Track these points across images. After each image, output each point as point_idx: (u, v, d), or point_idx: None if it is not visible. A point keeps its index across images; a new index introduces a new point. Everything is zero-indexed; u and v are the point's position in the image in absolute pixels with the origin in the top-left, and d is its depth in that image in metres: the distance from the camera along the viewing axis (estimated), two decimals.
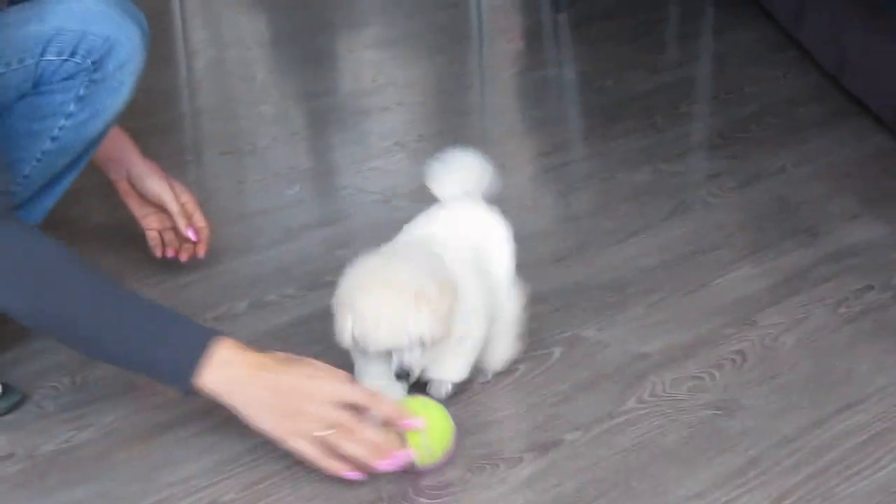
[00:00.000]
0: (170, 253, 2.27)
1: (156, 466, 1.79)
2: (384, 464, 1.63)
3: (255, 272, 2.32)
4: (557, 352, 2.04)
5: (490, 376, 1.96)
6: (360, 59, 3.51)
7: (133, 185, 2.22)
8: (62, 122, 1.90)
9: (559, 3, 3.80)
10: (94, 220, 2.55)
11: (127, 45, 1.89)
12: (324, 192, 2.68)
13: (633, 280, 2.26)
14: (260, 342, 2.07)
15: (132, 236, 2.44)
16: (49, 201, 1.99)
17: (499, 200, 2.36)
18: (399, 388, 1.80)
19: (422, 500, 1.69)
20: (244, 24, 3.85)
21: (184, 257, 2.27)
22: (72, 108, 1.89)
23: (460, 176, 1.98)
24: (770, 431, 1.81)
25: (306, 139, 2.98)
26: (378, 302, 1.73)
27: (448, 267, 1.81)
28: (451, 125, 3.01)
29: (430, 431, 1.71)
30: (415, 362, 1.76)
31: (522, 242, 2.34)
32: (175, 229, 2.25)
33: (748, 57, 3.37)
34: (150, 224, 2.26)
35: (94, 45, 1.88)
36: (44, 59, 1.87)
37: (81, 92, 1.89)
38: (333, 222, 2.54)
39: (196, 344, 1.66)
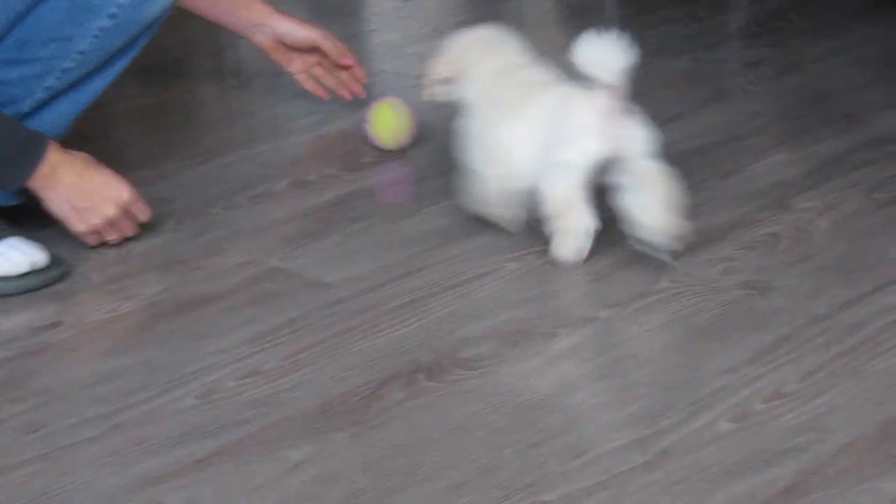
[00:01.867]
0: (338, 92, 2.49)
1: (197, 336, 1.83)
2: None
3: (296, 153, 2.35)
4: (592, 233, 2.06)
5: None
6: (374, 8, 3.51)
7: (282, 41, 2.41)
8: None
9: None
10: (136, 101, 2.58)
11: None
12: (367, 72, 2.69)
13: (670, 164, 2.26)
14: (300, 220, 2.12)
15: (174, 118, 2.47)
16: (101, 83, 2.01)
17: None
18: None
19: (458, 370, 1.73)
20: None
21: (345, 93, 2.49)
22: None
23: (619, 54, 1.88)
24: (802, 310, 1.84)
25: (347, 24, 2.99)
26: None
27: None
28: (489, 12, 3.01)
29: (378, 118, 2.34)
30: None
31: None
32: (320, 63, 2.46)
33: None
34: (297, 67, 2.46)
35: None
36: None
37: None
38: (373, 103, 2.55)
39: (30, 159, 1.92)
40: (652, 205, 1.91)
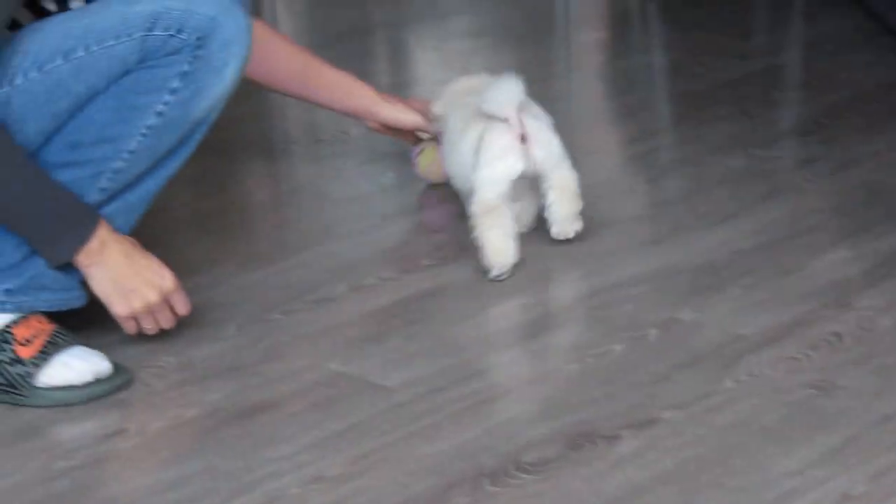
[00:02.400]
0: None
1: (260, 443, 1.83)
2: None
3: (354, 256, 2.36)
4: (653, 333, 2.06)
5: (557, 236, 2.30)
6: (451, 49, 3.54)
7: (386, 126, 2.59)
8: (167, 97, 1.94)
9: None
10: (191, 206, 2.61)
11: (232, 27, 1.94)
12: (418, 178, 2.71)
13: (728, 263, 2.27)
14: (359, 325, 2.13)
15: (228, 223, 2.50)
16: (153, 185, 2.03)
17: (590, 186, 2.40)
18: None
19: (522, 475, 1.72)
20: (335, 16, 3.89)
21: None
22: (176, 83, 1.94)
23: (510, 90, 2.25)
24: (868, 411, 1.82)
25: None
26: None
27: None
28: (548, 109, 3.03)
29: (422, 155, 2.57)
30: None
31: (616, 227, 2.39)
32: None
33: (839, 44, 3.36)
34: (407, 139, 2.65)
35: (199, 24, 1.92)
36: (151, 34, 1.91)
37: (186, 68, 1.93)
38: (428, 208, 2.57)
39: (80, 232, 1.95)
40: (558, 211, 2.29)
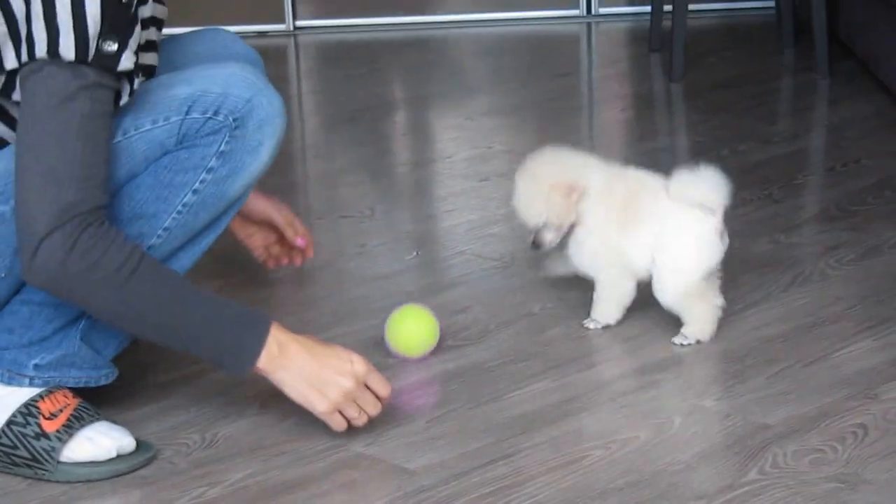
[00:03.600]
0: (283, 262, 2.46)
1: None
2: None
3: (378, 335, 2.36)
4: (677, 421, 2.05)
5: (685, 341, 2.30)
6: (477, 126, 3.56)
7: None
8: (203, 175, 1.96)
9: (673, 73, 3.83)
10: (212, 284, 2.62)
11: (267, 108, 1.96)
12: (443, 257, 2.72)
13: (753, 351, 2.27)
14: (383, 406, 2.12)
15: (250, 301, 2.50)
16: (186, 261, 2.04)
17: None
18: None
19: None
20: (360, 92, 3.92)
21: (297, 262, 2.46)
22: (213, 162, 1.96)
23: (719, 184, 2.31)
24: None
25: (425, 204, 3.03)
26: (525, 189, 2.34)
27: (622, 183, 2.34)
28: None
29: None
30: (546, 240, 2.33)
31: (640, 312, 2.39)
32: (279, 242, 2.44)
33: (864, 129, 3.38)
34: (256, 242, 2.45)
35: (235, 105, 1.94)
36: (188, 117, 1.94)
37: (223, 147, 1.95)
38: (453, 287, 2.58)
39: (255, 338, 1.93)
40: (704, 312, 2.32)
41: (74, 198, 1.83)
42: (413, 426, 2.07)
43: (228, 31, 2.27)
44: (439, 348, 2.30)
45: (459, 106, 3.78)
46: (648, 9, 4.25)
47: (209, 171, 1.96)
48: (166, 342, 1.94)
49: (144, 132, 1.94)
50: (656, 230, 2.29)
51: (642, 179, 2.35)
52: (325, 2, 4.63)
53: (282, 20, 4.57)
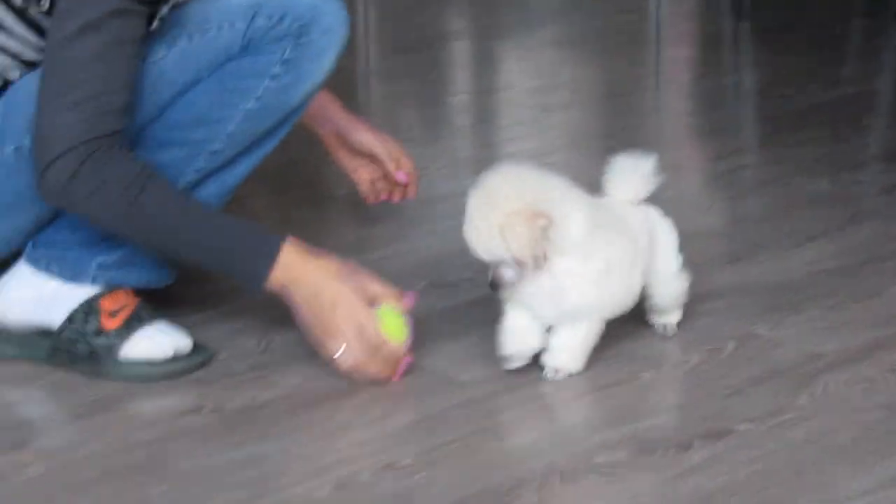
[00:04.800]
0: (383, 197, 2.41)
1: (335, 428, 1.86)
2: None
3: (437, 253, 2.38)
4: (730, 346, 2.06)
5: (668, 332, 2.08)
6: (541, 56, 3.56)
7: (342, 139, 2.35)
8: (267, 82, 1.97)
9: (741, 11, 3.81)
10: (272, 200, 2.64)
11: (330, 15, 1.97)
12: None
13: (808, 283, 2.26)
14: (437, 321, 2.14)
15: (309, 218, 2.52)
16: (246, 167, 2.05)
17: (673, 200, 2.39)
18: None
19: (591, 476, 1.73)
20: (425, 20, 3.92)
21: (396, 198, 2.41)
22: (277, 69, 1.97)
23: (634, 179, 2.03)
24: None
25: (487, 131, 3.03)
26: (479, 215, 1.89)
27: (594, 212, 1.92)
28: (627, 125, 3.04)
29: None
30: (507, 277, 1.91)
31: (696, 242, 2.38)
32: (385, 177, 2.37)
33: None
34: (362, 176, 2.39)
35: (300, 12, 1.95)
36: (254, 23, 1.95)
37: (287, 55, 1.97)
38: None
39: (268, 254, 1.90)
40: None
41: (88, 122, 1.84)
42: (466, 340, 2.08)
43: None
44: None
45: (524, 37, 3.77)
46: None
47: (273, 77, 1.97)
48: (179, 258, 1.96)
49: (210, 38, 1.95)
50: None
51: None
52: None
53: None
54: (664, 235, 2.06)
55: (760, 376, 1.98)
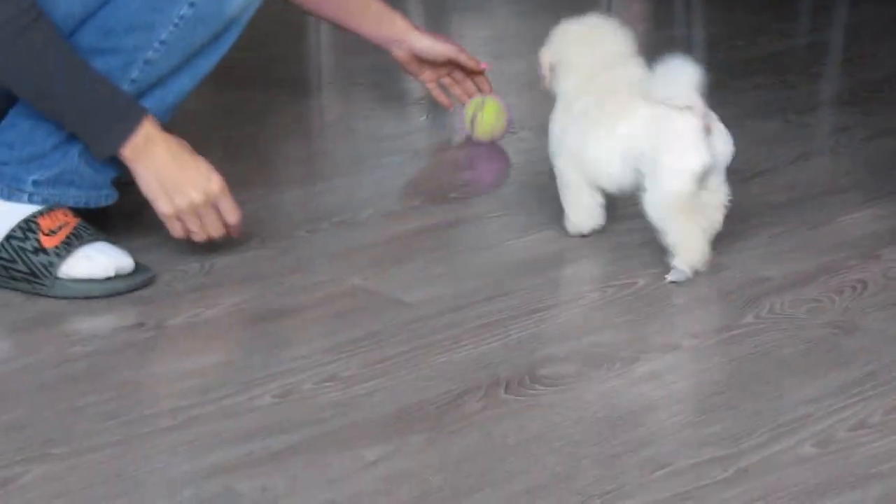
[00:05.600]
0: (456, 92, 2.63)
1: (278, 343, 1.83)
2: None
3: (382, 186, 2.36)
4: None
5: (679, 277, 2.01)
6: (492, 10, 3.54)
7: (418, 56, 2.56)
8: None
9: None
10: (221, 135, 2.61)
11: None
12: (451, 121, 2.71)
13: (756, 213, 2.26)
14: (383, 246, 2.13)
15: (257, 151, 2.50)
16: (187, 83, 2.02)
17: None
18: None
19: (538, 387, 1.71)
20: None
21: (485, 89, 2.62)
22: None
23: (692, 75, 1.99)
24: (889, 350, 1.81)
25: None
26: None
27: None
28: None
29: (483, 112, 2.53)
30: None
31: None
32: (450, 74, 2.61)
33: (882, 28, 3.36)
34: (429, 77, 2.60)
35: None
36: None
37: None
38: (461, 148, 2.57)
39: (126, 124, 1.93)
40: (694, 231, 2.01)
41: None
42: (413, 265, 2.07)
43: None
44: (444, 198, 2.30)
45: None
46: None
47: None
48: (43, 106, 1.92)
49: None
50: (629, 132, 2.02)
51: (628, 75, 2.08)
52: None
53: None
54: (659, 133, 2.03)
55: (706, 297, 1.97)
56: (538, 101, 2.73)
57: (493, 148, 2.56)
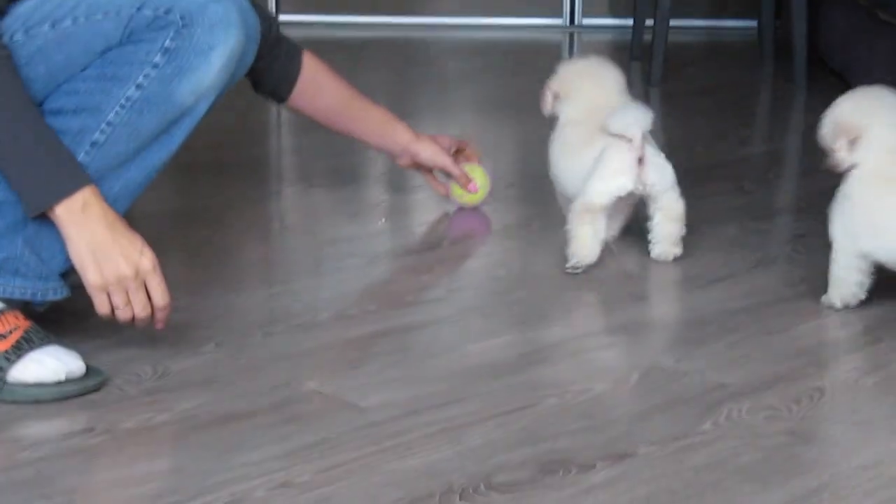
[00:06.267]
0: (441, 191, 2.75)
1: (231, 448, 1.81)
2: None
3: (339, 289, 2.35)
4: (635, 376, 2.04)
5: (659, 257, 2.46)
6: (456, 115, 3.57)
7: (420, 164, 2.71)
8: (148, 70, 1.94)
9: (652, 78, 3.84)
10: (179, 235, 2.60)
11: (220, 13, 1.95)
12: (410, 225, 2.71)
13: (714, 320, 2.26)
14: (339, 349, 2.11)
15: (215, 253, 2.49)
16: (138, 175, 1.99)
17: None
18: None
19: (493, 493, 1.69)
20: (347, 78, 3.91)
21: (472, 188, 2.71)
22: (157, 58, 1.94)
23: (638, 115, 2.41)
24: (846, 460, 1.80)
25: (396, 178, 3.02)
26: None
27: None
28: (538, 175, 3.03)
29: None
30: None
31: (605, 282, 2.38)
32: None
33: None
34: (429, 175, 2.75)
35: (188, 7, 1.93)
36: (139, 12, 1.93)
37: (168, 44, 1.93)
38: (419, 252, 2.57)
39: (66, 183, 1.90)
40: (661, 232, 2.47)
41: None
42: (368, 368, 2.05)
43: None
44: (401, 302, 2.29)
45: (438, 97, 3.78)
46: (631, 21, 4.27)
47: (154, 66, 1.94)
48: None
49: (94, 21, 1.93)
50: (590, 158, 2.43)
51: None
52: None
53: None
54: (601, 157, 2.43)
55: (664, 404, 1.96)
56: (509, 204, 2.75)
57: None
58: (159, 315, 1.97)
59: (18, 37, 1.92)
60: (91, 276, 1.93)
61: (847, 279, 2.27)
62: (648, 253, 2.48)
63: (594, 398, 1.97)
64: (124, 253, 1.93)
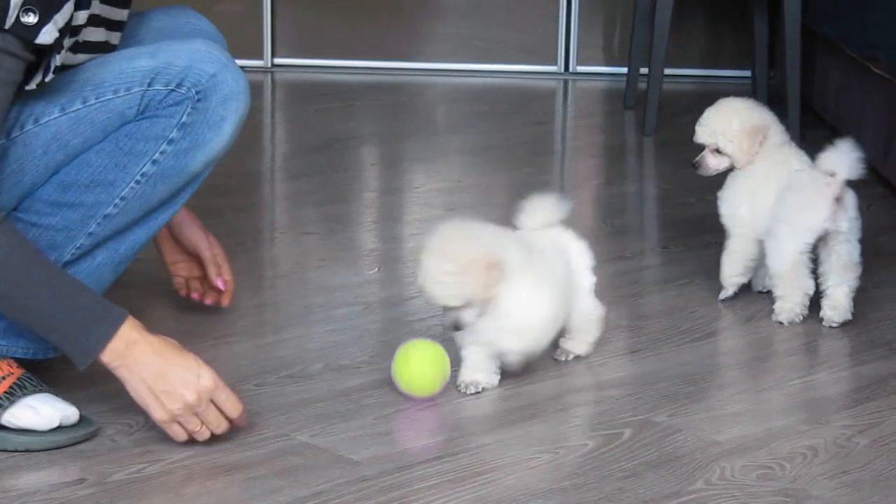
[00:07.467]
0: (193, 295, 2.37)
1: (222, 501, 1.80)
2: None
3: (333, 339, 2.35)
4: (627, 432, 2.03)
5: (568, 358, 2.26)
6: (448, 162, 3.57)
7: (170, 231, 2.32)
8: (164, 146, 1.95)
9: (646, 127, 3.85)
10: (159, 286, 2.59)
11: (231, 84, 1.96)
12: (404, 274, 2.71)
13: (707, 375, 2.26)
14: (332, 401, 2.11)
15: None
16: (142, 236, 2.02)
17: None
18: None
19: None
20: (332, 125, 3.92)
21: (208, 301, 2.37)
22: (174, 133, 1.95)
23: (545, 208, 2.24)
24: None
25: (389, 227, 3.02)
26: (436, 265, 2.04)
27: (518, 249, 2.12)
28: None
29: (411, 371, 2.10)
30: (465, 319, 2.07)
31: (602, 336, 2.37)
32: (201, 279, 2.36)
33: None
34: (180, 271, 2.37)
35: (199, 79, 1.94)
36: (151, 88, 1.93)
37: (184, 119, 1.95)
38: (411, 300, 2.56)
39: (103, 330, 1.85)
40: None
41: None
42: (361, 421, 2.05)
43: (193, 9, 2.26)
44: (393, 353, 2.29)
45: (432, 143, 3.79)
46: (625, 69, 4.28)
47: (170, 142, 1.95)
48: (17, 317, 1.86)
49: (105, 101, 1.93)
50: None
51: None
52: (304, 41, 4.65)
53: (260, 56, 4.58)
54: (578, 254, 2.25)
55: (657, 461, 1.95)
56: None
57: None
58: (238, 422, 1.94)
59: (30, 127, 1.92)
60: (158, 414, 1.88)
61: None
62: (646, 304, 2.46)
63: (586, 455, 1.96)
64: (183, 381, 1.87)
